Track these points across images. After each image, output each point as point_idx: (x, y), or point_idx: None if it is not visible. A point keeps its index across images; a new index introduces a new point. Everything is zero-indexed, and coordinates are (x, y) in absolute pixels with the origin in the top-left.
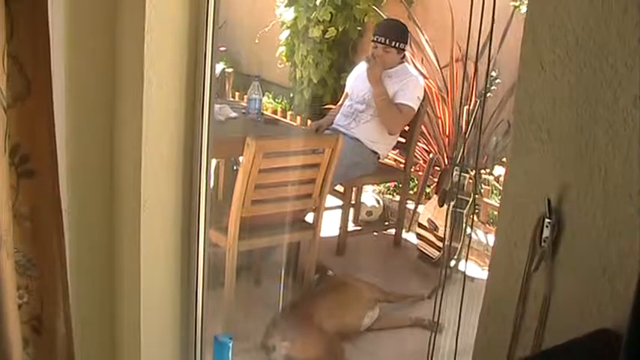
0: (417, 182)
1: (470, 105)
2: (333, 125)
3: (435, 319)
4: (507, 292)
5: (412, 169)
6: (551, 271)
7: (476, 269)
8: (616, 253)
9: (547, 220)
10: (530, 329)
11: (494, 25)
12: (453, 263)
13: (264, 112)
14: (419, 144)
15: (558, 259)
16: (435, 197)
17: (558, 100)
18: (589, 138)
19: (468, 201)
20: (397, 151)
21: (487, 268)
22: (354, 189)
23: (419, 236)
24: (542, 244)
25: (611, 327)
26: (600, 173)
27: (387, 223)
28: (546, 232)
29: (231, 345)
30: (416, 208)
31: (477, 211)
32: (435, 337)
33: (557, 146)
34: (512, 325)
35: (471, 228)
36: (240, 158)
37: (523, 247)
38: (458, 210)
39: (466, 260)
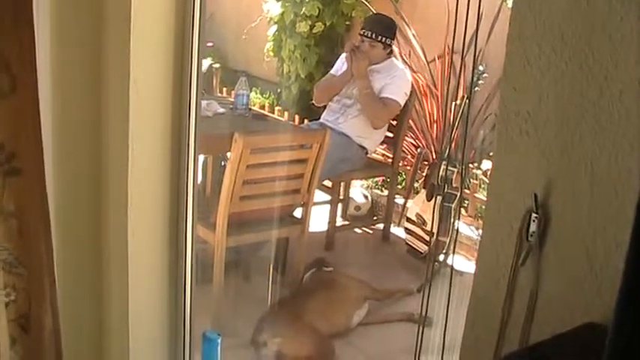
0: (405, 177)
1: (458, 99)
2: (321, 120)
3: (423, 314)
4: (494, 287)
5: (400, 164)
6: (538, 266)
7: (465, 263)
8: (602, 248)
9: (534, 215)
10: (517, 324)
11: (482, 19)
12: (441, 257)
13: (252, 108)
14: (407, 138)
15: (545, 253)
16: (423, 192)
17: (544, 94)
18: (575, 133)
19: (456, 195)
20: (385, 145)
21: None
22: (342, 184)
23: (407, 231)
24: (529, 238)
25: (597, 321)
26: (587, 168)
27: (375, 218)
28: (533, 227)
29: (220, 341)
30: (405, 203)
31: (465, 205)
32: (422, 332)
33: (544, 141)
34: (500, 320)
35: (458, 220)
36: (228, 154)
37: (510, 242)
38: (446, 204)
39: (453, 254)
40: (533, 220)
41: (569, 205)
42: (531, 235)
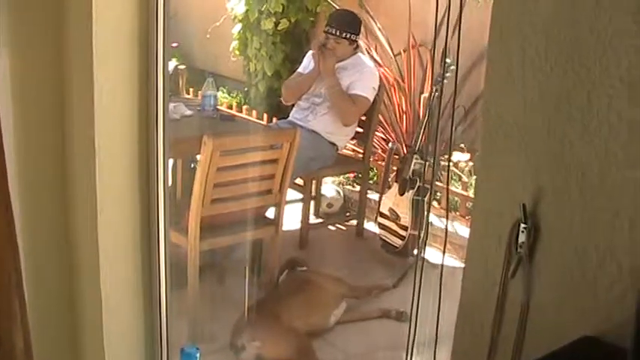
0: (376, 172)
1: (426, 92)
2: (290, 119)
3: (407, 310)
4: (483, 299)
5: (371, 159)
6: (528, 278)
7: (437, 255)
8: (595, 257)
9: (523, 225)
10: (508, 338)
11: (449, 11)
12: (415, 252)
13: (220, 108)
14: (377, 133)
15: (536, 264)
16: (396, 186)
17: (529, 100)
18: (564, 140)
19: (428, 189)
20: (355, 141)
21: (446, 253)
22: (313, 181)
23: (381, 226)
24: (519, 249)
25: (592, 334)
26: (577, 176)
27: (348, 214)
28: (522, 238)
29: (198, 356)
30: (380, 198)
31: (437, 198)
32: (416, 328)
33: (530, 148)
34: (490, 334)
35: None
36: (198, 156)
37: (498, 254)
38: (418, 198)
39: (444, 251)
40: (522, 231)
41: (560, 214)
42: (520, 246)
